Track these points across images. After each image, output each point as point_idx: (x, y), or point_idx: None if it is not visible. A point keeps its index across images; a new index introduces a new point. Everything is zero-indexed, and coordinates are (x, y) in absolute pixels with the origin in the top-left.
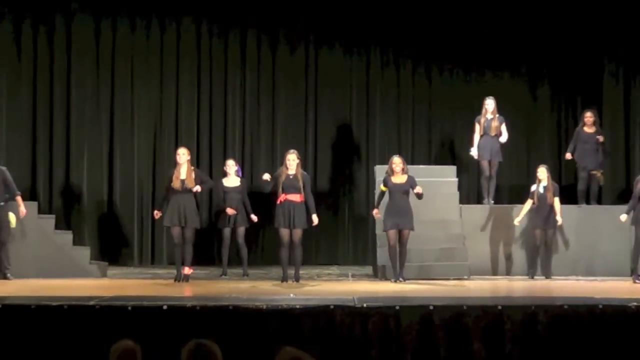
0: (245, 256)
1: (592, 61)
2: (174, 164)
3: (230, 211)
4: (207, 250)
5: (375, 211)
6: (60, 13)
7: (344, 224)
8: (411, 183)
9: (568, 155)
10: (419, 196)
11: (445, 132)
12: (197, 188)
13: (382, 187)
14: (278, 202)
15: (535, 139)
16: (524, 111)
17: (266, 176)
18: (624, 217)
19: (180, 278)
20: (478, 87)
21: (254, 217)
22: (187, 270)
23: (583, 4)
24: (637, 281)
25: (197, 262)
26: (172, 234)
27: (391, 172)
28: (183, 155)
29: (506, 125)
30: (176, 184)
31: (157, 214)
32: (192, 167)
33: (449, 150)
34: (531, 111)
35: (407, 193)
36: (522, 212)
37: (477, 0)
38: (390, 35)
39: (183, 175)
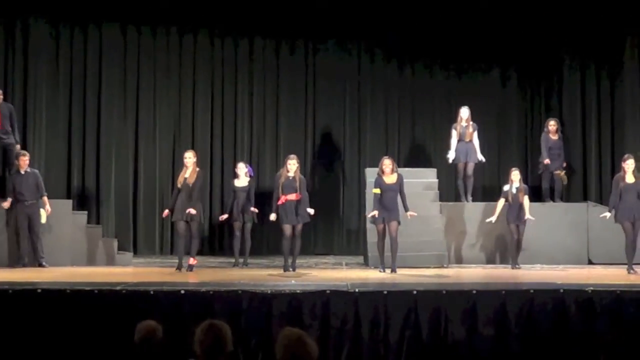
0: (248, 248)
1: (553, 54)
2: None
3: (221, 218)
4: (219, 242)
5: (374, 213)
6: (92, 22)
7: (338, 219)
8: (400, 181)
9: (547, 161)
10: (406, 208)
11: (426, 139)
12: (192, 211)
13: (375, 190)
14: (280, 203)
15: (505, 142)
16: (495, 114)
17: (272, 217)
18: (607, 215)
19: (180, 267)
20: (457, 95)
21: (255, 209)
22: (192, 261)
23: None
24: (631, 272)
25: (210, 252)
26: (177, 228)
27: (382, 172)
28: (189, 158)
29: (478, 133)
30: (179, 182)
31: (166, 213)
32: (197, 169)
33: (430, 154)
34: (501, 111)
35: (396, 192)
36: (496, 210)
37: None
38: (373, 36)
39: (187, 175)
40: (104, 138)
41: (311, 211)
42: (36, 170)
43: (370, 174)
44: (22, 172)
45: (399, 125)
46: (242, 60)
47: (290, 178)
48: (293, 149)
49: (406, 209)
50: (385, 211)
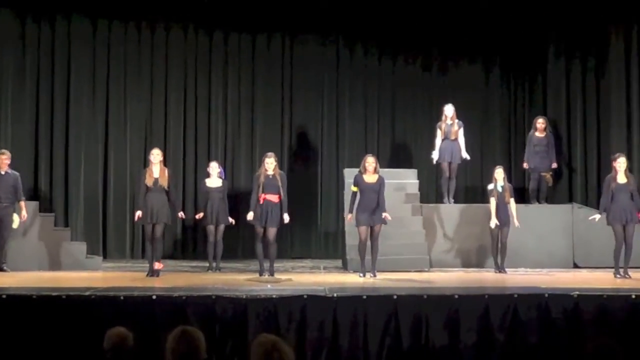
0: (220, 252)
1: (537, 47)
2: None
3: (198, 216)
4: (192, 245)
5: (349, 216)
6: (60, 13)
7: (316, 221)
8: (381, 182)
9: (525, 165)
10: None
11: (407, 137)
12: (182, 215)
13: (353, 188)
14: (260, 201)
15: (487, 140)
16: (478, 110)
17: (250, 216)
18: (597, 217)
19: (151, 272)
20: (439, 91)
21: (230, 220)
22: (157, 265)
23: None
24: (617, 276)
25: (183, 256)
26: (145, 231)
27: (364, 170)
28: (157, 155)
29: (464, 129)
30: (149, 182)
31: (138, 215)
32: (165, 168)
33: (410, 153)
34: (484, 108)
35: (376, 193)
36: (492, 211)
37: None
38: (352, 28)
39: (156, 174)
40: (72, 136)
41: (286, 218)
42: (17, 173)
43: (349, 174)
44: (2, 172)
45: (379, 123)
46: (216, 53)
47: (270, 176)
48: (269, 146)
49: (383, 210)
50: (369, 214)
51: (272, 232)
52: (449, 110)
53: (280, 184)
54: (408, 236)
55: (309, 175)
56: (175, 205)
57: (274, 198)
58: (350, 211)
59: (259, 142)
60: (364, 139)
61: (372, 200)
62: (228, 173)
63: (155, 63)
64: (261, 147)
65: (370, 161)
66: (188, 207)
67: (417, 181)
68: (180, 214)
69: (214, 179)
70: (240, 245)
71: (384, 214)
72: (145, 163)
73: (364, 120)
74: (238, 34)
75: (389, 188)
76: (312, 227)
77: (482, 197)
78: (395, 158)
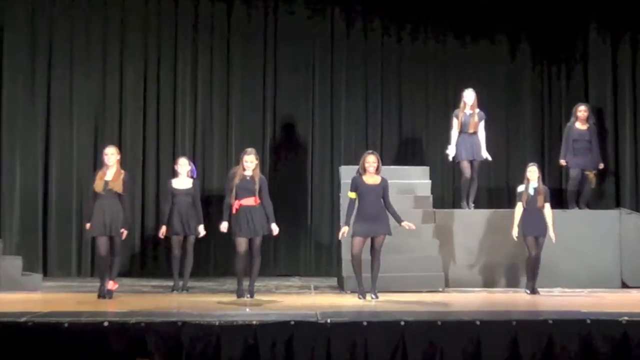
0: (188, 269)
1: (575, 15)
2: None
3: (161, 233)
4: (153, 260)
5: (343, 230)
6: None
7: (305, 231)
8: (384, 185)
9: (562, 162)
10: (398, 218)
11: (417, 128)
12: (124, 233)
13: (351, 194)
14: (234, 212)
15: (516, 134)
16: (504, 91)
17: (223, 227)
18: None
19: (103, 294)
20: (456, 72)
21: (201, 230)
22: (111, 285)
23: None
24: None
25: (142, 274)
26: (97, 245)
27: (363, 171)
28: (112, 155)
29: (487, 122)
30: (98, 187)
31: (89, 226)
32: (123, 172)
33: (421, 148)
34: (511, 90)
35: (379, 196)
36: (515, 219)
37: None
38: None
39: (109, 177)
40: (6, 132)
41: (275, 228)
42: None
43: (346, 173)
44: None
45: (382, 112)
46: (183, 26)
47: (248, 178)
48: (248, 141)
49: (399, 220)
50: (370, 222)
51: (257, 242)
52: (469, 96)
53: (257, 188)
54: (418, 249)
55: (297, 175)
56: (127, 214)
57: (249, 201)
58: (347, 223)
59: (236, 136)
60: (364, 131)
61: (374, 206)
62: (200, 176)
63: (108, 36)
64: (238, 142)
65: (370, 160)
66: (149, 216)
67: (429, 181)
68: (123, 232)
69: (183, 178)
70: (213, 259)
71: (405, 224)
72: (97, 164)
73: (364, 109)
74: (210, 1)
75: (393, 190)
76: (300, 238)
77: (508, 201)
78: (403, 153)
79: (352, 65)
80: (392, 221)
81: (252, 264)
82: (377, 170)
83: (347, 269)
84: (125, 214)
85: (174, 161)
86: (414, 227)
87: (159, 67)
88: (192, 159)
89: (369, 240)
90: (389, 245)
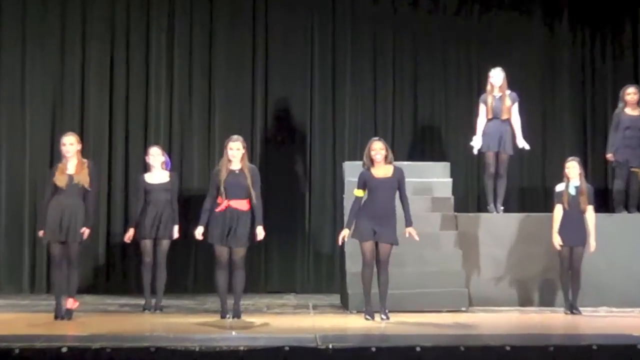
0: (162, 283)
1: None
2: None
3: (127, 236)
4: (121, 272)
5: (343, 234)
6: None
7: (303, 238)
8: (399, 177)
9: (609, 156)
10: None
11: (436, 115)
12: (86, 232)
13: (357, 192)
14: (218, 209)
15: (552, 123)
16: (539, 71)
17: (199, 232)
18: None
19: (59, 313)
20: (481, 46)
21: (176, 232)
22: (70, 303)
23: None
24: None
25: (106, 289)
26: (52, 254)
27: (370, 162)
28: (71, 145)
29: (520, 105)
30: (61, 181)
31: (43, 232)
32: (86, 161)
33: (440, 139)
34: (547, 70)
35: (393, 191)
36: (555, 224)
37: None
38: None
39: (71, 170)
40: None
41: (261, 233)
42: None
43: (351, 169)
44: None
45: (394, 95)
46: None
47: (237, 172)
48: (234, 131)
49: (408, 223)
50: (376, 223)
51: (239, 253)
52: (497, 76)
53: (250, 182)
54: (437, 260)
55: (292, 172)
56: (90, 212)
57: (241, 205)
58: (348, 226)
59: (219, 124)
60: (372, 119)
61: (385, 205)
62: (176, 169)
63: (68, 10)
64: (222, 131)
65: (377, 147)
66: (115, 219)
67: (450, 180)
68: (84, 231)
69: (157, 171)
70: (192, 271)
71: (409, 230)
72: (53, 157)
73: (372, 92)
74: None
75: (407, 189)
76: (297, 247)
77: (544, 203)
78: (418, 146)
79: (358, 40)
80: (398, 228)
81: (233, 278)
82: (387, 159)
83: (352, 283)
84: (88, 213)
85: (144, 152)
86: (417, 238)
87: (128, 41)
88: (168, 153)
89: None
90: (401, 256)
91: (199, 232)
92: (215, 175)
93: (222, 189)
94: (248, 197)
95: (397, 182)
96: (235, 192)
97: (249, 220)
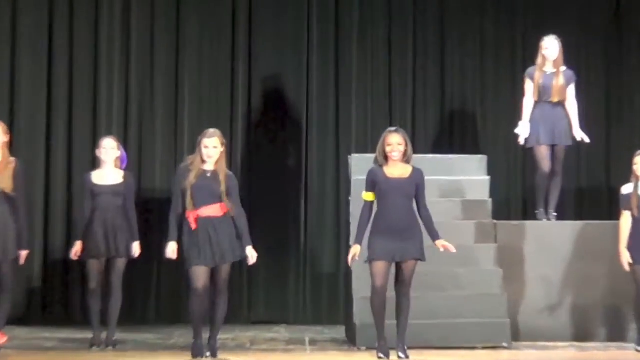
0: (116, 311)
1: None
2: None
3: (74, 252)
4: (62, 300)
5: (354, 252)
6: None
7: (297, 256)
8: (418, 180)
9: None
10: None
11: (468, 97)
12: (23, 256)
13: (366, 195)
14: (190, 227)
15: (617, 107)
16: (602, 41)
17: (171, 249)
18: None
19: None
20: (525, 9)
21: (136, 249)
22: None
23: None
24: None
25: (43, 321)
26: None
27: (384, 159)
28: None
29: (577, 86)
30: None
31: None
32: (13, 159)
33: (474, 128)
34: (614, 40)
35: (409, 197)
36: (622, 236)
37: None
38: None
39: None
40: None
41: (252, 254)
42: None
43: (360, 164)
44: None
45: (415, 74)
46: None
47: (209, 175)
48: (208, 120)
49: (435, 236)
50: (394, 237)
51: (223, 272)
52: (551, 47)
53: (224, 189)
54: (470, 282)
55: (284, 170)
56: (23, 226)
57: (213, 210)
58: (359, 241)
59: (189, 110)
60: (385, 103)
61: (402, 213)
62: (134, 168)
63: None
64: (193, 119)
65: (394, 140)
66: (54, 231)
67: (488, 178)
68: (21, 255)
69: (109, 170)
70: (154, 297)
71: (440, 243)
72: None
73: (386, 67)
74: None
75: (432, 190)
76: (289, 267)
77: (608, 208)
78: (446, 136)
79: (368, 0)
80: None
81: (215, 305)
82: (406, 157)
83: (360, 312)
84: (20, 227)
85: (94, 146)
86: (453, 250)
87: (72, 15)
88: (124, 146)
89: (392, 267)
90: (425, 277)
91: (171, 250)
92: (181, 175)
93: (188, 194)
94: (219, 201)
95: (415, 187)
96: (203, 199)
97: (230, 227)
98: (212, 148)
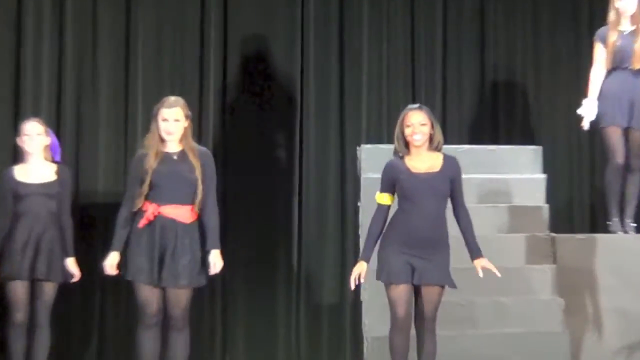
0: (44, 349)
1: None
2: None
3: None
4: None
5: (359, 270)
6: None
7: (288, 278)
8: (453, 173)
9: None
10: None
11: (514, 71)
12: None
13: (380, 198)
14: (141, 223)
15: None
16: None
17: (110, 261)
18: None
19: None
20: None
21: (72, 269)
22: None
23: None
24: None
25: None
26: None
27: (405, 147)
28: None
29: None
30: None
31: None
32: None
33: (526, 110)
34: None
35: (442, 198)
36: None
37: None
38: None
39: None
40: None
41: (218, 261)
42: None
43: (372, 158)
44: None
45: (446, 43)
46: None
47: (174, 157)
48: (171, 92)
49: (475, 251)
50: (416, 251)
51: (179, 299)
52: (627, 2)
53: (199, 175)
54: (521, 314)
55: (272, 163)
56: None
57: (180, 213)
58: (367, 257)
59: (143, 80)
60: (407, 79)
61: (429, 218)
62: (70, 161)
63: None
64: (148, 93)
65: (416, 119)
66: None
67: (544, 176)
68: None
69: (37, 163)
70: (95, 333)
71: (481, 264)
72: None
73: (407, 36)
74: None
75: (468, 192)
76: (277, 293)
77: None
78: (486, 123)
79: None
80: (462, 253)
81: (170, 343)
82: (433, 143)
83: (374, 354)
84: None
85: (15, 133)
86: (497, 273)
87: None
88: (56, 132)
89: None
90: (460, 309)
91: (111, 263)
92: (137, 162)
93: (147, 182)
94: (192, 201)
95: (450, 182)
96: (170, 192)
97: (195, 239)
98: (172, 121)
